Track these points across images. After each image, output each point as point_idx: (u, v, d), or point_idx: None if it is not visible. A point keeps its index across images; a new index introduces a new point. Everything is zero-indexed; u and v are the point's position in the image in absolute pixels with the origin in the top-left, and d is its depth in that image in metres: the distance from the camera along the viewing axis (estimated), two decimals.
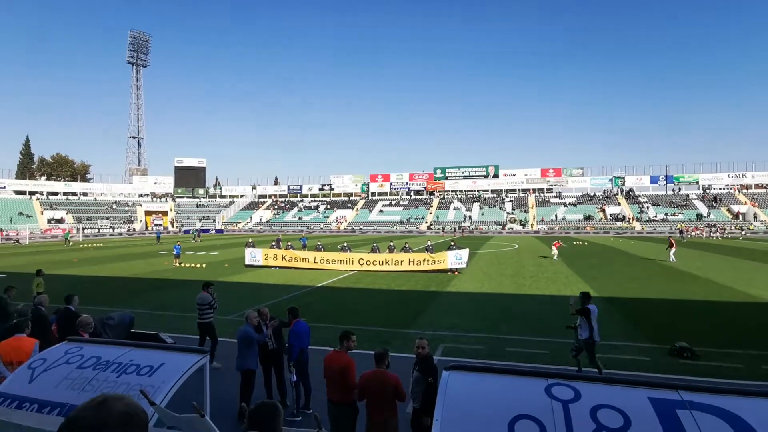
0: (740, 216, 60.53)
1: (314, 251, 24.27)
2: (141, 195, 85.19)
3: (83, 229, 59.57)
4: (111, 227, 67.80)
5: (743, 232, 52.27)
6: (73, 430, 1.13)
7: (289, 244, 26.85)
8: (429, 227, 68.28)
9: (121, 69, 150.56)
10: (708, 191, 69.86)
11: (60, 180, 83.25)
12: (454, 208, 75.08)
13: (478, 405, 2.64)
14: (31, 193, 73.15)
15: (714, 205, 64.54)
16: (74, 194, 78.32)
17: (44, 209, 67.50)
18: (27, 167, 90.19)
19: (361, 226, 71.05)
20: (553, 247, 28.30)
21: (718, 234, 50.76)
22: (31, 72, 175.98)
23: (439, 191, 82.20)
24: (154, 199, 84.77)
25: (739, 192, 67.75)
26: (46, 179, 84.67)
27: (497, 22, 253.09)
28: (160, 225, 72.72)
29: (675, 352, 8.72)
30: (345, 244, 25.38)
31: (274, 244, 27.50)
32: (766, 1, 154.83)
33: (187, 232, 64.49)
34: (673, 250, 25.18)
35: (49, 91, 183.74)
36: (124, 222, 71.98)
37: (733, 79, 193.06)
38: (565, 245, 31.84)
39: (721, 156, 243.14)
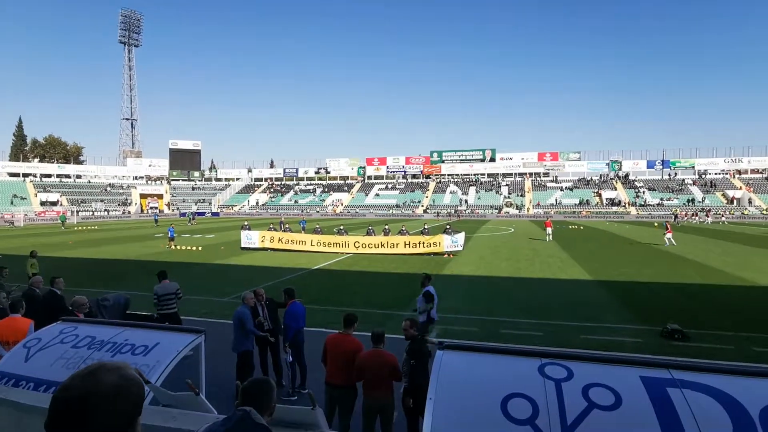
0: (735, 201, 60.79)
1: (311, 234, 24.31)
2: (135, 178, 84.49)
3: (78, 211, 59.22)
4: (106, 210, 67.41)
5: (721, 219, 51.75)
6: (65, 400, 1.10)
7: (287, 226, 26.78)
8: (425, 211, 68.30)
9: (113, 49, 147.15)
10: (704, 176, 70.03)
11: (53, 162, 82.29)
12: (451, 192, 75.04)
13: (471, 384, 2.66)
14: (25, 175, 72.41)
15: (709, 189, 64.80)
16: (68, 176, 77.49)
17: (38, 191, 66.90)
18: (20, 149, 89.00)
19: (357, 210, 70.99)
20: (547, 228, 28.31)
21: (724, 219, 50.65)
22: (23, 52, 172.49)
23: (435, 175, 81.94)
24: (149, 182, 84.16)
25: (735, 177, 67.98)
26: (39, 161, 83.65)
27: (495, 7, 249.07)
28: (156, 208, 72.41)
29: (666, 333, 8.84)
30: (341, 227, 25.37)
31: (273, 227, 27.42)
32: None
33: (183, 215, 64.28)
34: (670, 234, 25.35)
35: (41, 71, 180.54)
36: (118, 205, 71.57)
37: (731, 64, 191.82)
38: (557, 227, 31.82)
39: (718, 141, 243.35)
